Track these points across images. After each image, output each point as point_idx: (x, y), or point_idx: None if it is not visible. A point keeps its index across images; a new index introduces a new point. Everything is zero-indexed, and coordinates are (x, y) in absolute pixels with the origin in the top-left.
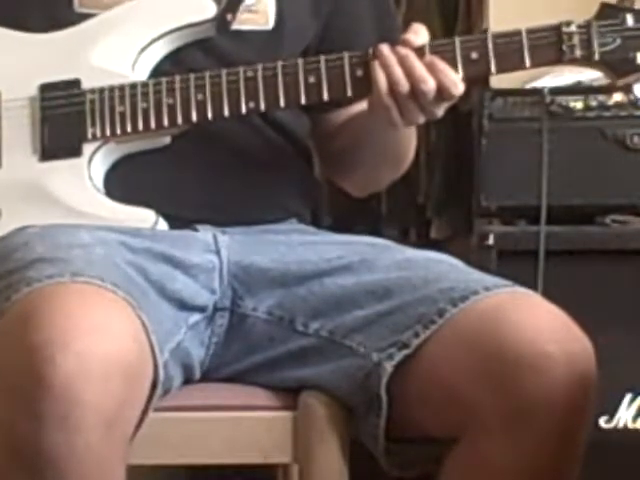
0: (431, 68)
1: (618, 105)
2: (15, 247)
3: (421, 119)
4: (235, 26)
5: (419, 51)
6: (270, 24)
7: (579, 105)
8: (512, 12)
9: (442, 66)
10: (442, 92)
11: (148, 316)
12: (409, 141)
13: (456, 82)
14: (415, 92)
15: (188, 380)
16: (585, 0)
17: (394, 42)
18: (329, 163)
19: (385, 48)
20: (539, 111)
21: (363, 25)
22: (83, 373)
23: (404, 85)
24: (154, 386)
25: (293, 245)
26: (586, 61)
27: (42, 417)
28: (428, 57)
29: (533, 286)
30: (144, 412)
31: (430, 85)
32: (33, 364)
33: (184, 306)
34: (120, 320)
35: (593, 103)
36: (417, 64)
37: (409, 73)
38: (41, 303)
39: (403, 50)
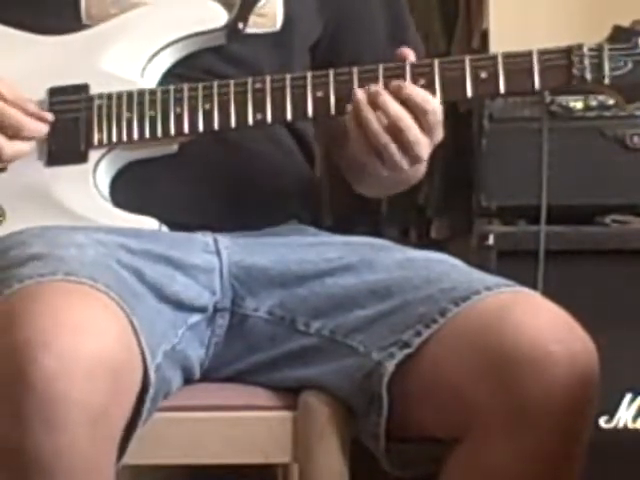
0: (400, 92)
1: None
2: (11, 245)
3: (405, 164)
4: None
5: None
6: (278, 26)
7: (579, 105)
8: (512, 12)
9: (411, 87)
10: (416, 113)
11: (140, 318)
12: (418, 169)
13: (426, 98)
14: (393, 132)
15: (188, 380)
16: (585, 1)
17: (405, 43)
18: (342, 169)
19: (359, 94)
20: (539, 111)
21: (374, 27)
22: (66, 372)
23: (380, 135)
24: (145, 388)
25: (293, 246)
26: (596, 85)
27: (26, 417)
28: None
29: (533, 286)
30: (135, 413)
31: (407, 122)
32: (15, 364)
33: (183, 307)
34: (105, 319)
35: (593, 103)
36: (390, 102)
37: (383, 111)
38: (27, 301)
39: (374, 89)
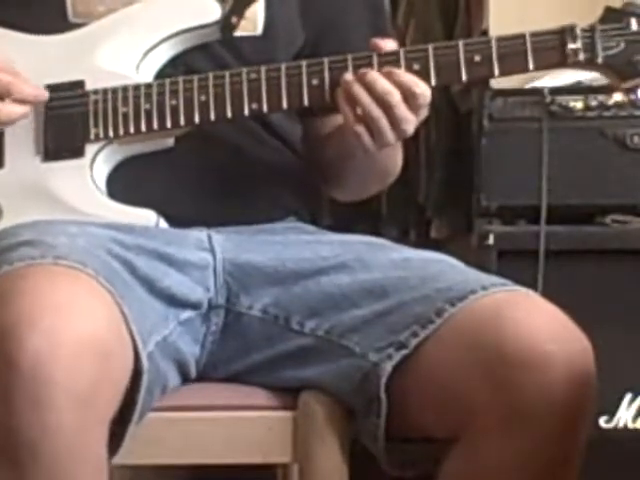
0: (390, 77)
1: (618, 105)
2: (4, 236)
3: (392, 139)
4: None
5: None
6: (259, 30)
7: (579, 105)
8: (512, 12)
9: (399, 72)
10: (406, 95)
11: (130, 307)
12: (394, 157)
13: (415, 81)
14: (383, 106)
15: (186, 379)
16: (584, 1)
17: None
18: (317, 172)
19: (348, 75)
20: (539, 111)
21: (358, 38)
22: (51, 353)
23: (372, 109)
24: (138, 374)
25: (289, 243)
26: (589, 64)
27: (12, 397)
28: (386, 68)
29: (533, 286)
30: (130, 402)
31: (396, 97)
32: (2, 344)
33: (175, 302)
34: (93, 302)
35: (593, 103)
36: (379, 78)
37: (371, 88)
38: (15, 283)
39: (363, 70)
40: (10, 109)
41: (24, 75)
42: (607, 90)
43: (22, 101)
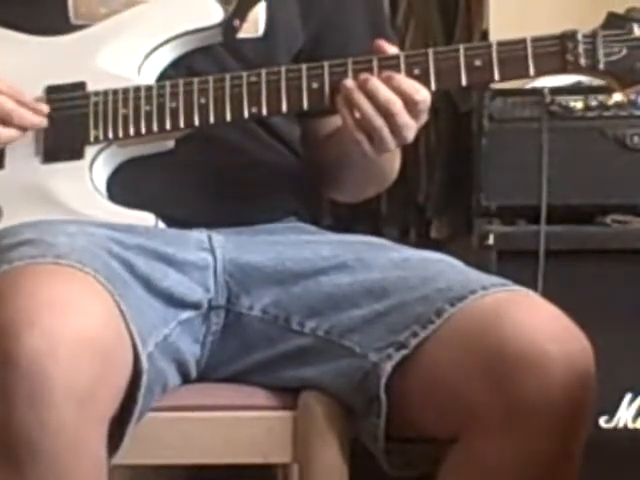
0: (390, 83)
1: (618, 105)
2: (4, 235)
3: (393, 146)
4: None
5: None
6: (260, 32)
7: (579, 105)
8: (512, 12)
9: (399, 77)
10: (407, 102)
11: (130, 306)
12: (392, 160)
13: (416, 88)
14: (385, 115)
15: (186, 379)
16: (584, 1)
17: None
18: (315, 173)
19: (349, 82)
20: (539, 111)
21: (357, 37)
22: (50, 351)
23: (374, 118)
24: (138, 374)
25: (289, 244)
26: (591, 70)
27: (11, 396)
28: (385, 73)
29: (533, 286)
30: (130, 400)
31: (398, 106)
32: (0, 342)
33: (174, 302)
34: (92, 301)
35: (593, 103)
36: (380, 86)
37: (373, 96)
38: (14, 282)
39: (364, 76)
40: (9, 133)
41: (26, 78)
42: (607, 90)
43: (22, 128)
